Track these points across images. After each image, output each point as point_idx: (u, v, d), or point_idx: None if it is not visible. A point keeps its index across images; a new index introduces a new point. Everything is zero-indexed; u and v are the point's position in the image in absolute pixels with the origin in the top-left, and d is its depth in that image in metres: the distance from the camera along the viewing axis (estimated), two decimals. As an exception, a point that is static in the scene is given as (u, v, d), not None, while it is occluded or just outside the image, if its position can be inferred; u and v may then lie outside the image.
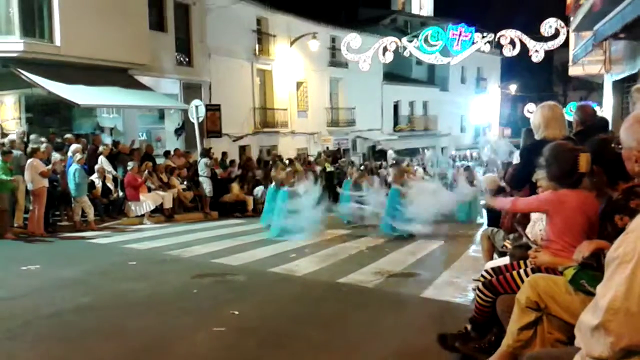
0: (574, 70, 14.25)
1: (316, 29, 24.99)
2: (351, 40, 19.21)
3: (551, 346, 2.60)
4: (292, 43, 24.77)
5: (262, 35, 23.67)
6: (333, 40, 27.83)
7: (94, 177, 12.18)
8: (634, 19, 6.20)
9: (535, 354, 2.33)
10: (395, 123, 34.23)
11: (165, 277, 7.00)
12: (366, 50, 19.06)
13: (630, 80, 9.29)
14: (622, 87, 10.14)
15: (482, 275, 3.48)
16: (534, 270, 3.06)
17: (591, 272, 2.44)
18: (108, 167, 12.89)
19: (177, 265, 7.79)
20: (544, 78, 44.74)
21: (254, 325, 4.88)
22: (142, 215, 12.63)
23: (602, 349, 1.71)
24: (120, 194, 12.81)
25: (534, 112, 4.66)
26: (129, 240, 10.14)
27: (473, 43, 19.02)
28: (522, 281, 3.01)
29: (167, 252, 8.80)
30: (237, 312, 5.25)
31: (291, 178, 11.02)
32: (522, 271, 3.18)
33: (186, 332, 4.68)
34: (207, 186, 14.40)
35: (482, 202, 13.43)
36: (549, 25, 16.89)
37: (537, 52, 17.68)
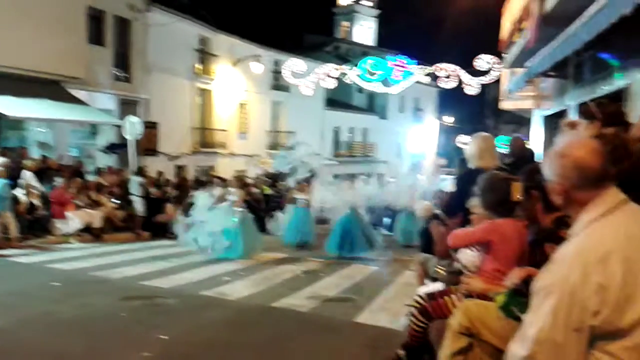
0: (505, 105, 14.88)
1: (260, 51, 25.07)
2: (294, 64, 19.38)
3: (482, 372, 2.61)
4: (235, 64, 24.69)
5: (204, 55, 23.49)
6: (276, 63, 27.94)
7: (19, 192, 11.55)
8: (563, 58, 6.54)
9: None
10: (335, 148, 34.58)
11: (90, 299, 6.65)
12: (309, 75, 19.26)
13: (558, 116, 9.76)
14: (551, 122, 10.65)
15: (416, 301, 3.50)
16: (466, 296, 3.10)
17: (522, 298, 2.48)
18: (34, 182, 12.26)
19: (104, 287, 7.43)
20: (476, 111, 46.46)
21: (183, 352, 4.69)
22: (69, 234, 12.06)
23: None
24: (46, 211, 12.17)
25: (469, 143, 4.80)
26: (53, 259, 9.61)
27: (412, 74, 19.60)
28: (455, 307, 3.04)
29: (93, 273, 8.39)
30: (166, 337, 5.03)
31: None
32: (454, 297, 3.21)
33: (112, 356, 4.45)
34: (139, 205, 13.95)
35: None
36: (483, 61, 17.63)
37: (472, 86, 18.38)
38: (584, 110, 3.52)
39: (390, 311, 6.57)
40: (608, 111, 3.14)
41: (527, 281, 2.44)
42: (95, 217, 12.64)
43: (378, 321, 6.08)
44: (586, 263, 1.64)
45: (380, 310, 6.61)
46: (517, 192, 3.15)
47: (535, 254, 2.80)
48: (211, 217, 10.30)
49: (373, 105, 38.68)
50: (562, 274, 1.67)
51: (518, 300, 2.47)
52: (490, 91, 35.09)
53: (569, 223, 2.80)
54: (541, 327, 1.67)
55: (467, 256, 4.04)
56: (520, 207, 3.09)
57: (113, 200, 13.90)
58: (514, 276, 2.48)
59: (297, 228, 12.86)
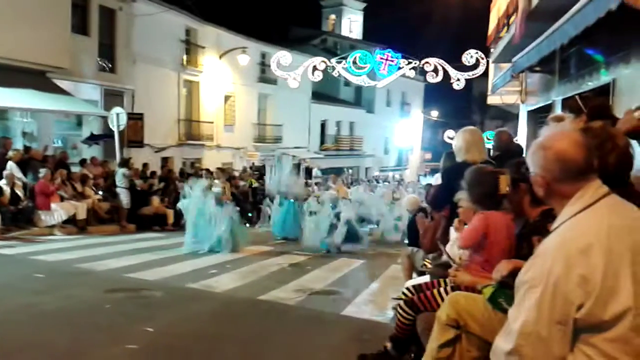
0: (492, 100, 14.96)
1: (246, 43, 24.92)
2: (281, 57, 19.26)
3: (469, 364, 2.63)
4: (221, 56, 24.53)
5: (190, 46, 23.32)
6: (263, 56, 27.82)
7: (2, 183, 11.39)
8: (549, 53, 6.58)
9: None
10: (322, 142, 34.56)
11: (75, 290, 6.59)
12: (296, 68, 19.17)
13: (543, 110, 9.84)
14: (536, 117, 10.73)
15: (403, 293, 3.50)
16: (453, 289, 3.11)
17: (509, 291, 2.49)
18: (18, 173, 12.11)
19: (88, 279, 7.37)
20: (463, 106, 46.69)
21: (169, 344, 4.67)
22: (53, 226, 11.92)
23: None
24: (30, 202, 12.03)
25: (456, 136, 4.79)
26: (37, 251, 9.51)
27: (399, 68, 19.57)
28: (443, 299, 3.05)
29: (78, 265, 8.31)
30: (151, 330, 5.00)
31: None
32: (442, 289, 3.22)
33: (97, 349, 4.41)
34: (124, 197, 13.82)
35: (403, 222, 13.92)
36: (470, 56, 17.67)
37: (459, 80, 18.41)
38: (570, 104, 3.53)
39: (377, 304, 6.62)
40: (593, 105, 3.15)
41: (514, 274, 2.45)
42: (80, 209, 12.51)
43: (363, 314, 6.11)
44: (569, 255, 1.64)
45: (367, 303, 6.64)
46: (504, 184, 3.16)
47: (522, 247, 2.81)
48: (200, 209, 10.34)
49: (360, 99, 38.68)
50: (545, 267, 1.67)
51: (505, 292, 2.49)
52: (477, 86, 35.33)
53: (556, 216, 2.84)
54: (525, 320, 1.68)
55: (454, 249, 4.06)
56: (507, 200, 3.10)
57: (98, 192, 13.78)
58: (502, 269, 2.49)
59: (284, 222, 12.86)
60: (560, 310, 1.64)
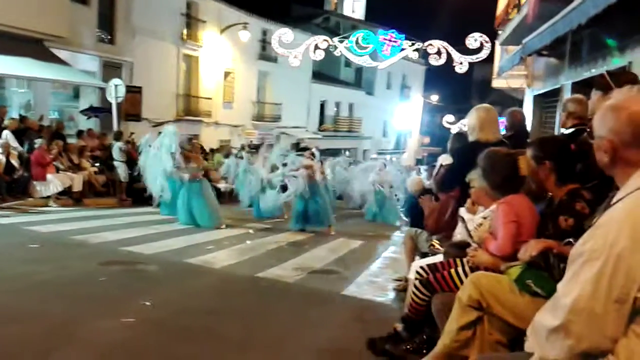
0: (497, 83, 14.77)
1: (247, 19, 24.54)
2: (283, 34, 18.91)
3: (490, 348, 2.49)
4: (222, 31, 24.16)
5: (191, 20, 22.92)
6: (264, 33, 27.43)
7: (-3, 152, 11.19)
8: (563, 34, 6.39)
9: (483, 358, 2.20)
10: (321, 122, 34.31)
11: (70, 262, 6.45)
12: (297, 47, 18.86)
13: (550, 95, 9.66)
14: (542, 101, 10.55)
15: (418, 273, 3.36)
16: (472, 270, 2.97)
17: (538, 271, 2.36)
18: (13, 142, 11.89)
19: (83, 251, 7.23)
20: (463, 91, 46.41)
21: (167, 318, 4.53)
22: (48, 197, 11.75)
23: (558, 352, 1.59)
24: (26, 172, 11.82)
25: (469, 114, 4.62)
26: (31, 222, 9.34)
27: (402, 49, 19.30)
28: (460, 280, 2.92)
29: (73, 237, 8.16)
30: (148, 303, 4.87)
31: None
32: (460, 269, 3.08)
33: (92, 321, 4.27)
34: (122, 171, 13.64)
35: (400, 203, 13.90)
36: (474, 39, 17.40)
37: (462, 64, 18.16)
38: (598, 81, 3.36)
39: (377, 285, 6.53)
40: (623, 80, 2.98)
41: (544, 254, 2.31)
42: (76, 181, 12.33)
43: (364, 294, 6.01)
44: (637, 228, 1.49)
45: (367, 284, 6.54)
46: (525, 165, 3.01)
47: (547, 227, 2.67)
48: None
49: (360, 80, 38.34)
50: (608, 238, 1.52)
51: (534, 273, 2.35)
52: (478, 71, 35.03)
53: (584, 195, 2.70)
54: (579, 295, 1.54)
55: (464, 231, 3.92)
56: (530, 179, 2.94)
57: (95, 164, 13.59)
58: (531, 248, 2.34)
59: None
60: (621, 287, 1.49)
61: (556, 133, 7.31)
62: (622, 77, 3.21)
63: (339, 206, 15.11)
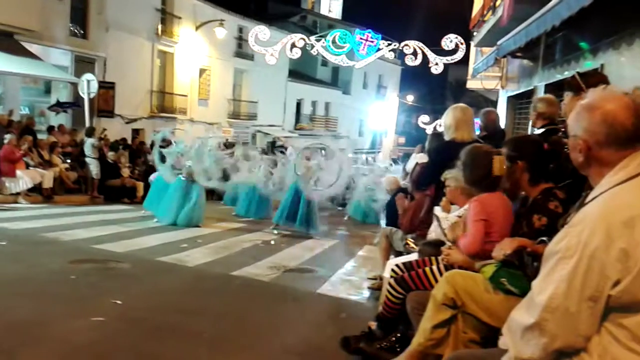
0: (472, 84, 14.90)
1: (224, 16, 24.34)
2: (259, 32, 18.81)
3: (464, 346, 2.50)
4: (197, 28, 23.95)
5: (166, 16, 22.67)
6: (240, 30, 27.26)
7: (-37, 147, 10.90)
8: (537, 36, 6.47)
9: (457, 355, 2.20)
10: (297, 121, 34.25)
11: (39, 260, 6.30)
12: (274, 45, 18.78)
13: (524, 96, 9.79)
14: (515, 102, 10.70)
15: (393, 271, 3.36)
16: (447, 268, 2.97)
17: (512, 270, 2.37)
18: (-19, 137, 11.61)
19: (53, 249, 7.07)
20: (438, 92, 46.82)
21: (138, 317, 4.46)
22: (18, 194, 11.48)
23: (533, 350, 1.59)
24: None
25: (445, 113, 4.64)
26: (0, 218, 9.13)
27: (378, 49, 19.36)
28: (435, 278, 2.92)
29: (43, 234, 7.99)
30: (119, 302, 4.78)
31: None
32: (434, 267, 3.08)
33: (62, 320, 4.17)
34: (94, 168, 13.39)
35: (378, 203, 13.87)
36: (449, 41, 17.54)
37: (437, 64, 18.29)
38: (570, 81, 3.41)
39: (352, 283, 6.53)
40: (593, 81, 3.03)
41: (518, 252, 2.32)
42: (46, 177, 12.07)
43: (339, 293, 6.01)
44: (610, 226, 1.49)
45: (342, 283, 6.54)
46: (499, 166, 3.02)
47: (521, 226, 2.69)
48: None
49: (337, 79, 38.40)
50: (582, 237, 1.52)
51: (508, 272, 2.36)
52: (453, 73, 35.39)
53: (557, 195, 2.72)
54: (553, 293, 1.54)
55: (439, 230, 3.94)
56: (505, 178, 2.96)
57: (66, 160, 13.33)
58: (505, 246, 2.35)
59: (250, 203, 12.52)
60: (594, 285, 1.49)
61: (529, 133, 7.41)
62: (593, 78, 3.26)
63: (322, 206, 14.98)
